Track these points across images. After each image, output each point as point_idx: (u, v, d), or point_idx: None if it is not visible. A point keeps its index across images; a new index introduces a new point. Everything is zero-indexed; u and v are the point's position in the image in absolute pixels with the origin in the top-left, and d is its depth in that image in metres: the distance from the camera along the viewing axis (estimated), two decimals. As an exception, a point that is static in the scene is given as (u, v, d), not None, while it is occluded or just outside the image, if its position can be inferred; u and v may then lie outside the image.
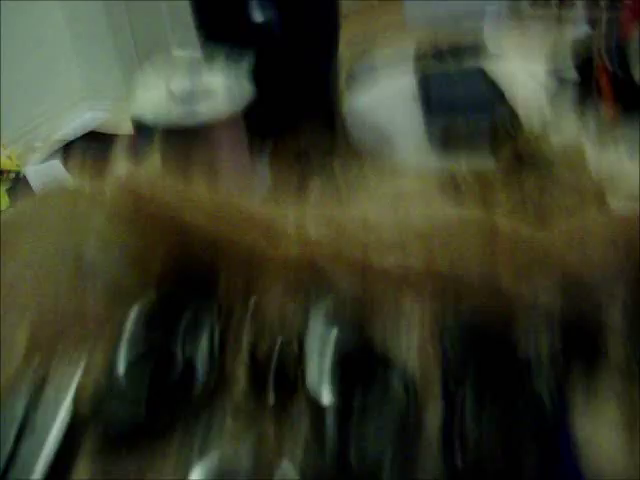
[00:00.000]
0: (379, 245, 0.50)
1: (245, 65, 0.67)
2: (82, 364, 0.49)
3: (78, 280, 0.53)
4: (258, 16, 0.69)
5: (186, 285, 0.53)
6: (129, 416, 0.43)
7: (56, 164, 3.22)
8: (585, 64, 0.78)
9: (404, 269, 0.49)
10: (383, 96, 0.88)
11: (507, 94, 0.78)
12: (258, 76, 0.67)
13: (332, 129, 0.79)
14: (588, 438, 0.42)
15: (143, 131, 0.69)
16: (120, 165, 0.52)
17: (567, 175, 0.56)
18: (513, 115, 0.73)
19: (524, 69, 0.88)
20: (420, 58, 0.98)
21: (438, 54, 1.00)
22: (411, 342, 0.49)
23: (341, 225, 0.52)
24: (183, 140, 0.65)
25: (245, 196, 0.56)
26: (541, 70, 0.88)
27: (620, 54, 0.77)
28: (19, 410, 0.43)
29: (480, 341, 0.47)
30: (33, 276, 0.52)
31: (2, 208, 2.44)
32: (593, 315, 0.48)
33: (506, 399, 0.43)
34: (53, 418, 0.43)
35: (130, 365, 0.46)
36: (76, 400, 0.44)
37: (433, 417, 0.43)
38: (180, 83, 0.69)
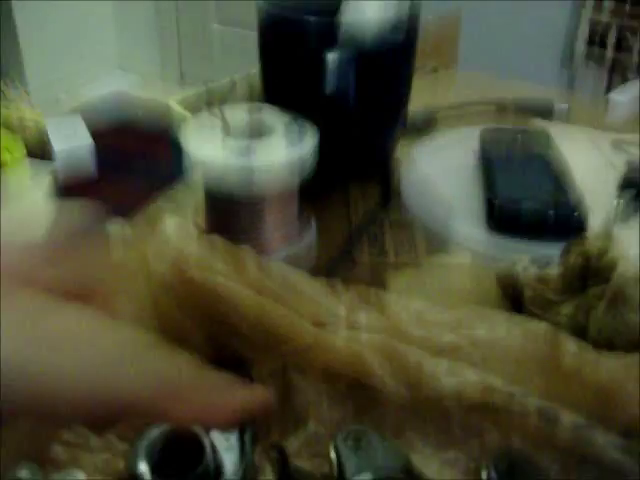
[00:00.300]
0: (434, 347, 0.47)
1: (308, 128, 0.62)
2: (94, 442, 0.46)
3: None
4: (330, 88, 0.65)
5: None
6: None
7: (77, 120, 3.17)
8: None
9: (454, 377, 0.45)
10: (446, 156, 0.83)
11: (571, 167, 0.74)
12: (321, 143, 0.62)
13: (387, 198, 0.75)
14: None
15: (179, 153, 0.64)
16: (167, 222, 0.48)
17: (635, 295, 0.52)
18: (579, 198, 0.68)
19: (588, 135, 0.83)
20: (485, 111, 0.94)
21: (504, 108, 0.95)
22: (452, 463, 0.45)
23: (394, 313, 0.49)
24: (236, 207, 0.60)
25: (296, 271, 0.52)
26: (606, 139, 0.84)
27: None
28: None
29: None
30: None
31: (16, 156, 2.38)
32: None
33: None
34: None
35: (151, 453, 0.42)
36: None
37: None
38: (236, 114, 0.64)
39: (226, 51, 3.13)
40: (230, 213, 0.61)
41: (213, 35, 3.15)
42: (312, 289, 0.50)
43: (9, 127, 2.63)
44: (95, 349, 0.30)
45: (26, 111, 2.84)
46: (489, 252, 0.64)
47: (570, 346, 0.46)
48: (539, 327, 0.48)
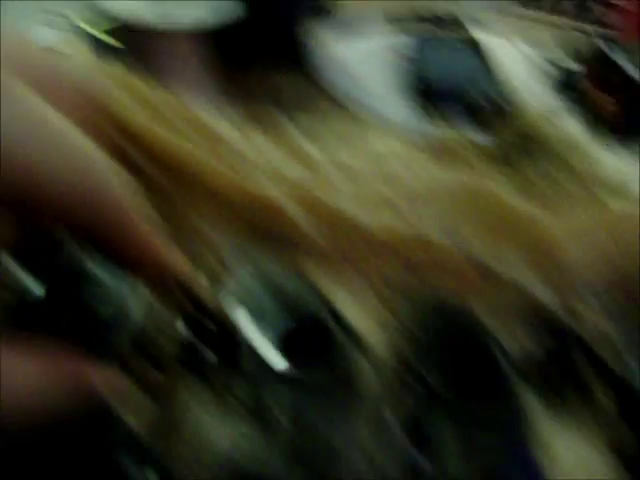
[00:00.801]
0: (363, 198, 0.43)
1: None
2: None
3: None
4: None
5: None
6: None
7: None
8: (589, 58, 0.73)
9: (386, 230, 0.41)
10: (366, 47, 0.80)
11: (500, 69, 0.72)
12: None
13: (305, 70, 0.71)
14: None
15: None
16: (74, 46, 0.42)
17: (578, 163, 0.49)
18: (506, 91, 0.66)
19: (520, 50, 0.82)
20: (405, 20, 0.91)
21: (427, 19, 0.93)
22: (375, 314, 0.42)
23: (321, 168, 0.44)
24: (150, 43, 0.55)
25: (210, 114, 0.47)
26: (533, 51, 0.82)
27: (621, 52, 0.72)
28: None
29: (449, 327, 0.40)
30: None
31: None
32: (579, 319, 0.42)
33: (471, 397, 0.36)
34: None
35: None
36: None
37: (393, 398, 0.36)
38: None
39: None
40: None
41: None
42: (222, 129, 0.45)
43: None
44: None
45: None
46: (415, 131, 0.61)
47: (502, 194, 0.43)
48: (475, 179, 0.45)
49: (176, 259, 0.33)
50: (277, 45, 0.68)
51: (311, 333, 0.37)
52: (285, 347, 0.35)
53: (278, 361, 0.34)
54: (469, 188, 0.43)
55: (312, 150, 0.45)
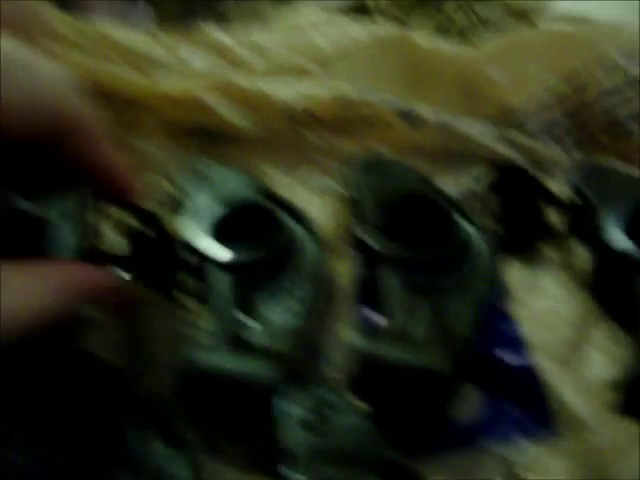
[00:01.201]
0: (276, 72, 0.41)
1: None
2: None
3: None
4: None
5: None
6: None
7: None
8: None
9: (306, 99, 0.40)
10: None
11: None
12: None
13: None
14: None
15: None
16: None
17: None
18: None
19: None
20: None
21: None
22: (317, 186, 0.41)
23: (230, 52, 0.43)
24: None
25: (113, 26, 0.45)
26: None
27: None
28: None
29: (398, 187, 0.39)
30: None
31: None
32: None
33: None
34: None
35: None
36: None
37: (342, 266, 0.36)
38: None
39: None
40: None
41: None
42: (130, 40, 0.43)
43: None
44: None
45: None
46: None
47: (424, 42, 0.42)
48: (388, 30, 0.43)
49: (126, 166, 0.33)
50: None
51: (251, 217, 0.36)
52: (226, 236, 0.35)
53: (219, 252, 0.34)
54: (386, 40, 0.42)
55: (222, 37, 0.44)
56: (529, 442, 0.29)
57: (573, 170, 0.39)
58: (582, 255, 0.36)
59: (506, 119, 0.41)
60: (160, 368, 0.33)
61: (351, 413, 0.27)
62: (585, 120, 0.41)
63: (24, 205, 0.35)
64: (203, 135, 0.42)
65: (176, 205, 0.38)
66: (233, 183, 0.39)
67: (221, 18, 0.59)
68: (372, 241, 0.35)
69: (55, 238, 0.36)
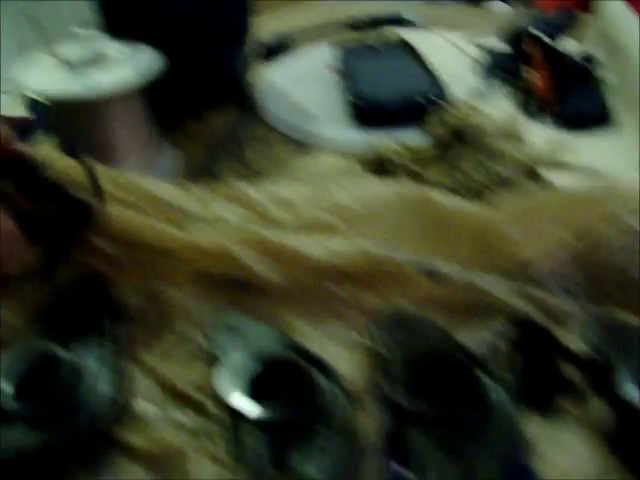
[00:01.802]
0: (304, 227, 0.44)
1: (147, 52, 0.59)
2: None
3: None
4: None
5: (78, 277, 0.45)
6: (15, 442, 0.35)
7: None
8: (513, 37, 0.74)
9: (333, 254, 0.42)
10: (300, 70, 0.81)
11: (431, 66, 0.73)
12: (163, 47, 0.59)
13: (244, 108, 0.72)
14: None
15: (38, 108, 0.61)
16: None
17: (504, 146, 0.50)
18: (440, 87, 0.67)
19: (449, 41, 0.83)
20: (337, 30, 0.93)
21: (356, 25, 0.94)
22: (344, 340, 0.43)
23: (260, 207, 0.45)
24: (77, 112, 0.56)
25: (147, 178, 0.48)
26: (461, 38, 0.83)
27: (545, 26, 0.73)
28: None
29: (422, 343, 0.40)
30: None
31: None
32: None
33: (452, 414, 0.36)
34: None
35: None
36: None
37: (370, 422, 0.37)
38: (75, 51, 0.59)
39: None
40: (80, 141, 0.57)
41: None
42: (162, 191, 0.46)
43: None
44: None
45: None
46: (356, 147, 0.61)
47: (440, 198, 0.44)
48: (408, 187, 0.46)
49: None
50: (208, 86, 0.69)
51: (283, 374, 0.37)
52: (258, 392, 0.36)
53: (251, 408, 0.35)
54: (408, 198, 0.44)
55: (252, 191, 0.46)
56: None
57: (589, 325, 0.41)
58: (601, 410, 0.37)
59: (522, 274, 0.44)
60: None
61: None
62: (598, 275, 0.43)
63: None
64: (234, 286, 0.44)
65: (210, 358, 0.40)
66: (264, 338, 0.41)
67: (242, 163, 0.63)
68: (399, 398, 0.36)
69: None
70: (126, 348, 0.42)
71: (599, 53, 0.72)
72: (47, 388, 0.37)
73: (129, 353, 0.42)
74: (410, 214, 0.44)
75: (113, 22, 0.65)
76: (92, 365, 0.40)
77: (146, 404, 0.40)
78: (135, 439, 0.37)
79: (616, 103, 0.65)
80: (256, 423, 0.35)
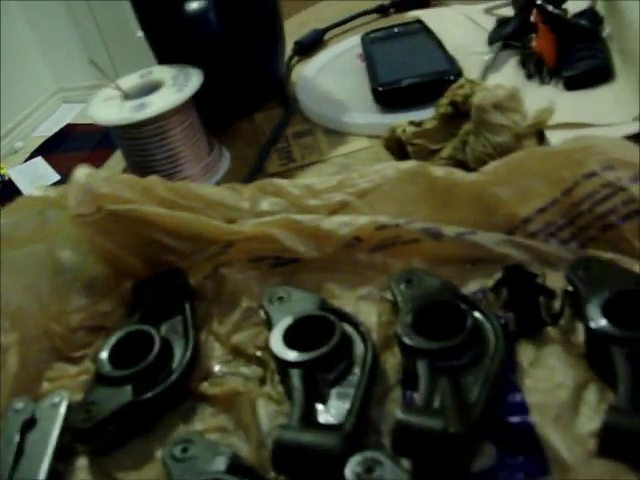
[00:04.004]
0: (326, 207, 0.54)
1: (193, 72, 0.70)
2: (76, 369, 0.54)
3: (58, 281, 0.57)
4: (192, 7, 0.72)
5: (156, 272, 0.57)
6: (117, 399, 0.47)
7: (39, 162, 3.21)
8: (522, 7, 0.80)
9: (351, 227, 0.53)
10: (332, 63, 0.91)
11: (444, 41, 0.81)
12: (205, 63, 0.70)
13: (287, 106, 0.83)
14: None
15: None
16: (78, 172, 0.55)
17: (499, 118, 0.59)
18: (456, 66, 0.76)
19: (465, 15, 0.90)
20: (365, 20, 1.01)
21: (381, 11, 1.02)
22: (366, 296, 0.53)
23: (291, 196, 0.56)
24: (139, 134, 0.68)
25: (200, 183, 0.60)
26: (478, 10, 0.90)
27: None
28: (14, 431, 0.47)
29: (430, 292, 0.50)
30: (16, 287, 0.55)
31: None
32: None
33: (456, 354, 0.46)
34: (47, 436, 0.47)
35: (113, 351, 0.50)
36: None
37: (392, 363, 0.47)
38: (130, 81, 0.72)
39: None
40: (145, 158, 0.69)
41: (140, 43, 3.20)
42: (216, 194, 0.57)
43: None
44: None
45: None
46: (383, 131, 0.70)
47: (438, 171, 0.54)
48: (409, 164, 0.55)
49: None
50: (252, 89, 0.79)
51: (319, 328, 0.48)
52: (300, 344, 0.47)
53: (296, 355, 0.46)
54: (408, 172, 0.54)
55: (285, 184, 0.57)
56: (531, 481, 0.39)
57: (573, 266, 0.49)
58: (579, 335, 0.46)
59: (517, 229, 0.53)
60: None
61: (394, 467, 0.38)
62: (583, 223, 0.52)
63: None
64: (282, 265, 0.56)
65: (267, 324, 0.51)
66: (306, 303, 0.51)
67: (286, 155, 0.74)
68: (406, 338, 0.46)
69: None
70: (201, 322, 0.54)
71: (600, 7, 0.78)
72: (143, 357, 0.49)
73: (207, 327, 0.54)
74: (414, 188, 0.53)
75: (161, 49, 0.77)
76: (175, 337, 0.52)
77: (220, 364, 0.52)
78: (211, 390, 0.49)
79: (615, 57, 0.72)
80: (295, 365, 0.46)
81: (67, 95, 3.69)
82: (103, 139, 2.85)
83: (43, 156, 3.06)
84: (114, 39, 3.33)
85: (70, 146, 3.18)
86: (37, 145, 3.30)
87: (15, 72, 3.42)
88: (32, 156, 3.16)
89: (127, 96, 0.70)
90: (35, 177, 2.88)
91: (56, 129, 3.42)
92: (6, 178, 2.94)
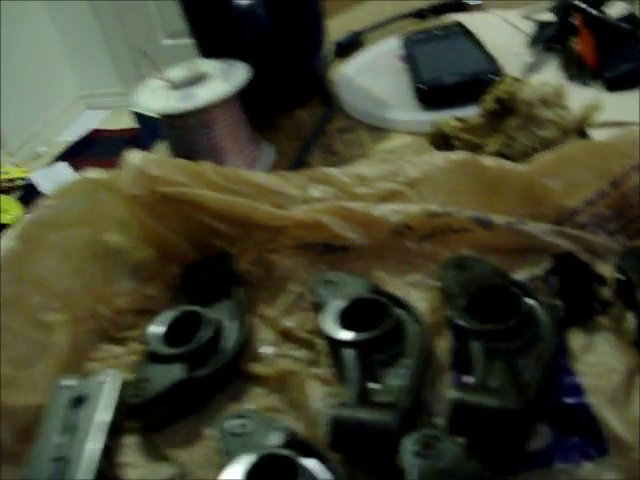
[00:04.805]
0: (377, 195, 0.55)
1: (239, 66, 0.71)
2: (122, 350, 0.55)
3: (106, 264, 0.58)
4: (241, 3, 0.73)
5: (206, 256, 0.58)
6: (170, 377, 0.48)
7: (63, 167, 3.23)
8: (561, 9, 0.81)
9: (401, 214, 0.53)
10: (372, 63, 0.92)
11: (487, 46, 0.82)
12: (252, 59, 0.71)
13: (328, 103, 0.84)
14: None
15: (146, 122, 0.74)
16: (132, 154, 0.56)
17: (546, 113, 0.59)
18: (495, 66, 0.76)
19: (504, 19, 0.91)
20: (404, 22, 1.02)
21: (420, 15, 1.04)
22: (415, 283, 0.54)
23: (341, 183, 0.56)
24: (186, 123, 0.69)
25: (250, 170, 0.60)
26: (517, 15, 0.91)
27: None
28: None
29: (482, 278, 0.50)
30: (66, 269, 0.56)
31: (14, 215, 2.46)
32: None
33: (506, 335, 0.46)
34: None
35: (167, 331, 0.51)
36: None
37: (443, 347, 0.48)
38: (177, 72, 0.73)
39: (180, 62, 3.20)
40: (190, 148, 0.70)
41: (166, 49, 3.23)
42: (266, 181, 0.57)
43: (1, 190, 2.71)
44: None
45: (13, 171, 2.93)
46: (424, 127, 0.71)
47: (489, 162, 0.54)
48: (459, 154, 0.55)
49: None
50: (295, 86, 0.81)
51: (370, 311, 0.49)
52: (351, 325, 0.48)
53: (347, 335, 0.47)
54: (458, 163, 0.54)
55: (334, 172, 0.58)
56: (588, 462, 0.39)
57: (621, 255, 0.50)
58: (631, 322, 0.46)
59: (566, 220, 0.53)
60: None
61: (451, 444, 0.38)
62: (631, 215, 0.52)
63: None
64: (331, 251, 0.56)
65: (316, 307, 0.51)
66: (356, 287, 0.52)
67: (329, 149, 0.74)
68: (461, 321, 0.46)
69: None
70: (249, 306, 0.54)
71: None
72: (194, 337, 0.50)
73: (255, 310, 0.55)
74: (464, 177, 0.54)
75: (207, 45, 0.78)
76: (225, 320, 0.53)
77: (269, 346, 0.52)
78: (262, 370, 0.49)
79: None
80: (351, 345, 0.46)
81: (91, 102, 3.72)
82: (128, 145, 2.87)
83: (67, 161, 3.08)
84: (140, 46, 3.36)
85: (95, 151, 3.20)
86: (60, 150, 3.33)
87: (40, 78, 3.46)
88: (56, 161, 3.19)
89: (174, 86, 0.71)
90: (59, 181, 2.90)
91: (79, 135, 3.45)
92: (30, 181, 2.97)
